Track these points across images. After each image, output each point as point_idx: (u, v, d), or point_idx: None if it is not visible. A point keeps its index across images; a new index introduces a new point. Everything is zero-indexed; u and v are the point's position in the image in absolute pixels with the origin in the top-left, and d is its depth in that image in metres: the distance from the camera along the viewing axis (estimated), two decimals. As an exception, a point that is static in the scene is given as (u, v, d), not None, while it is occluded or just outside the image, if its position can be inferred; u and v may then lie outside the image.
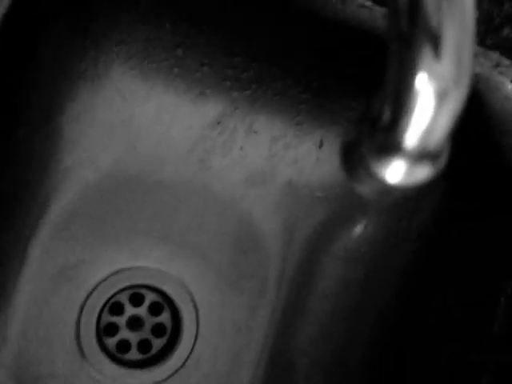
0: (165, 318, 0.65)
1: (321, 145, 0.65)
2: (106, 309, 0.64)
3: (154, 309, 0.65)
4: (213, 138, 0.64)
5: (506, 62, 0.55)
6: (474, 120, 0.57)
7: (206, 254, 0.65)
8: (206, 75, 0.62)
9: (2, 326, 0.62)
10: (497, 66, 0.55)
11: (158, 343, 0.65)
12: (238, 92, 0.63)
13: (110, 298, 0.64)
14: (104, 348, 0.64)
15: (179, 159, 0.64)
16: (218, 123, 0.64)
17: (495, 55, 0.56)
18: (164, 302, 0.65)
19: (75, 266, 0.64)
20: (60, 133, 0.62)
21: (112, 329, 0.65)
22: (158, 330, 0.65)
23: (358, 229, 0.65)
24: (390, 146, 0.32)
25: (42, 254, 0.63)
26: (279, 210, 0.65)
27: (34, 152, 0.61)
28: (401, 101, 0.31)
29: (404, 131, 0.31)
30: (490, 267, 0.59)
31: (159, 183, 0.65)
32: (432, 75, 0.31)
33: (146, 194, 0.65)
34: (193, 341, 0.65)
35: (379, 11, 0.54)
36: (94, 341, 0.63)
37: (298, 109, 0.64)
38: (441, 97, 0.31)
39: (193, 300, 0.65)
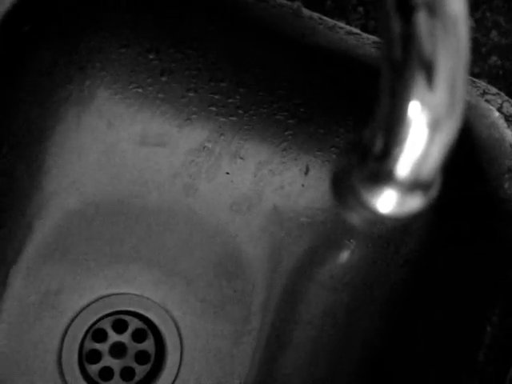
0: (148, 345, 0.65)
1: (307, 171, 0.64)
2: (89, 335, 0.64)
3: (138, 336, 0.65)
4: (198, 163, 0.63)
5: (493, 90, 0.55)
6: (461, 148, 0.57)
7: (190, 280, 0.65)
8: (191, 101, 0.62)
9: (-18, 353, 0.61)
10: (484, 93, 0.55)
11: (141, 370, 0.65)
12: (225, 118, 0.63)
13: (92, 325, 0.64)
14: (86, 375, 0.63)
15: (164, 184, 0.64)
16: (204, 148, 0.63)
17: (483, 83, 0.56)
18: (148, 329, 0.65)
19: (58, 292, 0.63)
20: (43, 158, 0.61)
21: (95, 356, 0.64)
22: (142, 357, 0.65)
23: (345, 255, 0.65)
24: (382, 176, 0.32)
25: (23, 280, 0.62)
26: (265, 236, 0.65)
27: (16, 178, 0.60)
28: (393, 130, 0.31)
29: (396, 161, 0.31)
30: (476, 294, 0.59)
31: (144, 209, 0.64)
32: (425, 104, 0.30)
33: (131, 220, 0.64)
34: (176, 368, 0.64)
35: (367, 38, 0.54)
36: (76, 368, 0.62)
37: (284, 135, 0.63)
38: (434, 126, 0.30)
39: (177, 327, 0.64)
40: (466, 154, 0.57)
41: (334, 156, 0.63)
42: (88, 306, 0.63)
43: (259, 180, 0.64)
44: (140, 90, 0.61)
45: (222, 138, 0.63)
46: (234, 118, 0.63)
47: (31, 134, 0.60)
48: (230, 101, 0.62)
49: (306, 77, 0.61)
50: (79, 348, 0.63)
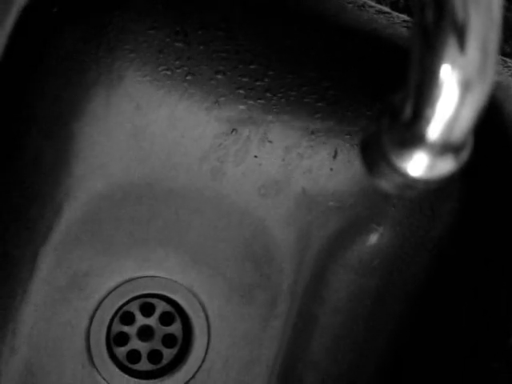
0: (176, 328, 0.65)
1: (335, 155, 0.64)
2: (117, 318, 0.64)
3: (165, 319, 0.65)
4: (226, 146, 0.63)
5: (524, 68, 0.54)
6: (492, 129, 0.57)
7: (218, 263, 0.65)
8: (220, 83, 0.62)
9: (10, 337, 0.61)
10: (515, 73, 0.54)
11: (168, 353, 0.65)
12: (253, 100, 0.63)
13: (120, 308, 0.64)
14: (114, 358, 0.63)
15: (192, 168, 0.64)
16: (232, 132, 0.63)
17: (513, 63, 0.55)
18: (175, 312, 0.65)
19: (85, 275, 0.63)
20: (72, 141, 0.61)
21: (122, 339, 0.64)
22: (169, 341, 0.65)
23: (373, 239, 0.64)
24: (413, 139, 0.31)
25: (51, 263, 0.62)
26: (293, 220, 0.65)
27: (44, 161, 0.61)
28: (424, 92, 0.31)
29: (427, 123, 0.31)
30: (505, 278, 0.58)
31: (172, 192, 0.64)
32: (456, 66, 0.30)
33: (159, 203, 0.64)
34: (204, 352, 0.64)
35: (397, 17, 0.53)
36: (104, 350, 0.62)
37: (313, 118, 0.63)
38: (465, 88, 0.30)
39: (204, 310, 0.64)
40: (496, 133, 0.56)
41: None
42: (116, 288, 0.63)
43: (287, 163, 0.64)
44: (168, 73, 0.61)
45: (251, 121, 0.63)
46: (262, 101, 0.63)
47: (60, 116, 0.60)
48: (258, 84, 0.62)
49: (335, 59, 0.60)
50: (107, 330, 0.63)
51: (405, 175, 0.32)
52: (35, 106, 0.58)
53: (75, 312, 0.63)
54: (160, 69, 0.61)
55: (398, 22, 0.54)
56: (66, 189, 0.62)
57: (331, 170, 0.64)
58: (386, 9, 0.53)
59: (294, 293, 0.65)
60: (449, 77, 0.30)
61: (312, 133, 0.64)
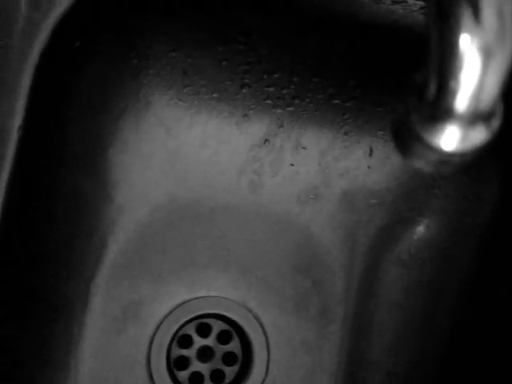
0: (234, 345, 0.65)
1: (371, 152, 0.64)
2: (175, 342, 0.64)
3: (223, 337, 0.65)
4: (261, 158, 0.63)
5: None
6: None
7: (267, 276, 0.64)
8: (246, 96, 0.62)
9: (73, 374, 0.61)
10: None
11: (230, 372, 0.64)
12: (281, 109, 0.63)
13: (177, 332, 0.64)
14: (177, 382, 0.63)
15: (230, 183, 0.64)
16: (265, 143, 0.63)
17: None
18: (232, 330, 0.64)
19: (138, 303, 0.63)
20: (108, 172, 0.62)
21: (183, 362, 0.64)
22: (229, 359, 0.65)
23: (420, 231, 0.64)
24: (441, 114, 0.31)
25: (103, 295, 0.62)
26: (337, 223, 0.64)
27: (83, 194, 0.61)
28: (446, 65, 0.31)
29: (453, 95, 0.31)
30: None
31: (213, 211, 0.64)
32: (474, 34, 0.30)
33: (201, 223, 0.64)
34: (265, 365, 0.64)
35: (414, 5, 0.53)
36: (166, 376, 0.63)
37: (343, 119, 0.63)
38: (486, 55, 0.30)
39: (260, 324, 0.64)
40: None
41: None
42: (170, 313, 0.63)
43: (324, 167, 0.64)
44: (195, 93, 0.62)
45: (282, 129, 0.63)
46: (291, 109, 0.63)
47: (93, 148, 0.60)
48: (284, 91, 0.62)
49: (358, 57, 0.60)
50: (167, 356, 0.63)
51: (439, 151, 0.32)
52: (67, 141, 0.59)
53: (133, 341, 0.63)
54: (186, 90, 0.62)
55: (415, 10, 0.54)
56: (108, 220, 0.62)
57: (368, 167, 0.64)
58: (402, -3, 0.53)
59: (347, 295, 0.65)
60: (468, 46, 0.30)
61: (345, 133, 0.64)
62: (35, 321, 0.60)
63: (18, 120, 0.49)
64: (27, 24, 0.49)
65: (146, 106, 0.61)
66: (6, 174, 0.49)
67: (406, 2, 0.53)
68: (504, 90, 0.32)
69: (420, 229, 0.64)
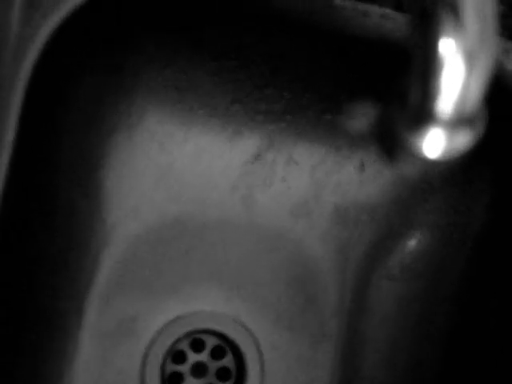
0: (228, 360, 0.65)
1: (362, 167, 0.64)
2: (169, 358, 0.64)
3: (217, 352, 0.65)
4: (253, 173, 0.64)
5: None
6: (510, 117, 0.57)
7: (261, 291, 0.65)
8: (238, 112, 0.63)
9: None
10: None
11: (224, 387, 0.64)
12: (273, 125, 0.63)
13: (170, 347, 0.64)
14: (171, 398, 0.63)
15: (223, 199, 0.64)
16: (257, 158, 0.63)
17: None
18: (225, 345, 0.64)
19: (132, 319, 0.63)
20: (101, 188, 0.62)
21: (177, 378, 0.64)
22: (223, 374, 0.64)
23: (412, 245, 0.64)
24: (425, 118, 0.32)
25: (97, 312, 0.62)
26: (329, 238, 0.65)
27: (77, 210, 0.61)
28: (429, 70, 0.31)
29: (436, 100, 0.31)
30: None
31: (206, 226, 0.64)
32: (456, 38, 0.30)
33: (194, 239, 0.64)
34: (259, 381, 0.64)
35: (402, 18, 0.54)
36: (160, 392, 0.63)
37: (334, 133, 0.63)
38: (469, 59, 0.30)
39: (254, 339, 0.64)
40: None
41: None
42: (163, 328, 0.63)
43: (316, 182, 0.64)
44: (187, 108, 0.62)
45: (274, 145, 0.64)
46: (282, 124, 0.63)
47: (86, 164, 0.61)
48: (275, 107, 0.63)
49: (349, 71, 0.61)
50: (161, 372, 0.63)
51: (423, 155, 0.32)
52: (62, 156, 0.59)
53: (127, 357, 0.63)
54: (178, 106, 0.62)
55: (403, 23, 0.54)
56: (102, 236, 0.62)
57: (360, 182, 0.64)
58: (390, 11, 0.54)
59: (341, 310, 0.65)
60: (451, 50, 0.30)
61: (337, 148, 0.64)
62: (29, 337, 0.60)
63: (10, 135, 0.49)
64: (19, 40, 0.50)
65: (138, 122, 0.62)
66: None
67: (394, 16, 0.54)
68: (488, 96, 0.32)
69: (412, 242, 0.64)
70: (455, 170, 0.62)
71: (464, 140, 0.32)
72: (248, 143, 0.63)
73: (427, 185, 0.63)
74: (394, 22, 0.55)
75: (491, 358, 0.60)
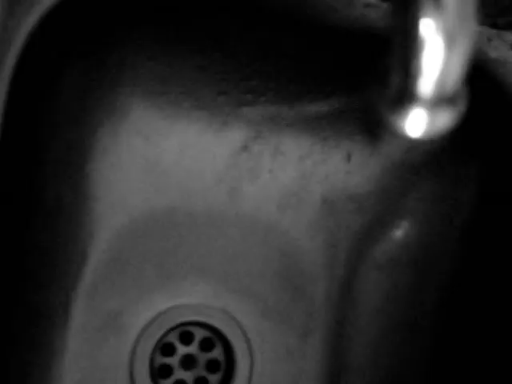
0: (217, 352, 0.64)
1: (349, 158, 0.64)
2: (158, 351, 0.64)
3: (206, 345, 0.64)
4: (240, 165, 0.64)
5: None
6: (492, 106, 0.57)
7: (249, 282, 0.65)
8: (224, 104, 0.63)
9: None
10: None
11: (213, 379, 0.64)
12: (260, 116, 0.63)
13: (159, 340, 0.64)
14: (160, 391, 0.63)
15: (209, 191, 0.64)
16: (244, 150, 0.63)
17: (510, 36, 0.55)
18: (214, 337, 0.64)
19: (120, 313, 0.63)
20: (88, 181, 0.62)
21: (166, 370, 0.64)
22: (212, 366, 0.64)
23: (399, 235, 0.64)
24: (407, 98, 0.32)
25: (84, 306, 0.62)
26: (317, 229, 0.65)
27: (65, 204, 0.61)
28: (409, 50, 0.31)
29: (417, 79, 0.31)
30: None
31: (193, 218, 0.64)
32: (435, 18, 0.30)
33: (181, 231, 0.64)
34: (249, 372, 0.64)
35: (387, 8, 0.54)
36: (149, 385, 0.62)
37: (321, 124, 0.63)
38: (448, 38, 0.30)
39: (243, 331, 0.64)
40: (498, 112, 0.56)
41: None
42: (152, 321, 0.63)
43: (303, 173, 0.64)
44: (172, 101, 0.62)
45: (260, 136, 0.64)
46: (269, 115, 0.63)
47: (72, 158, 0.60)
48: (262, 98, 0.63)
49: (335, 61, 0.61)
50: (150, 365, 0.63)
51: (406, 135, 0.32)
52: (48, 150, 0.59)
53: (115, 350, 0.63)
54: (163, 98, 0.62)
55: (387, 12, 0.54)
56: (89, 230, 0.62)
57: (347, 172, 0.64)
58: (374, 0, 0.54)
59: (329, 301, 0.65)
60: (430, 30, 0.30)
61: (323, 139, 0.64)
62: (16, 332, 0.60)
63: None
64: (2, 31, 0.49)
65: (123, 115, 0.62)
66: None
67: (378, 6, 0.54)
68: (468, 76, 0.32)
69: (399, 232, 0.64)
70: (442, 159, 0.62)
71: (446, 119, 0.32)
72: (234, 135, 0.63)
73: (414, 175, 0.63)
74: (377, 12, 0.55)
75: (479, 346, 0.60)
